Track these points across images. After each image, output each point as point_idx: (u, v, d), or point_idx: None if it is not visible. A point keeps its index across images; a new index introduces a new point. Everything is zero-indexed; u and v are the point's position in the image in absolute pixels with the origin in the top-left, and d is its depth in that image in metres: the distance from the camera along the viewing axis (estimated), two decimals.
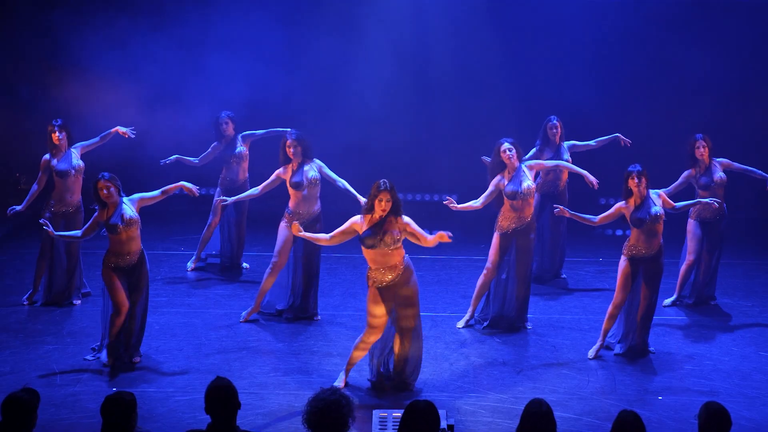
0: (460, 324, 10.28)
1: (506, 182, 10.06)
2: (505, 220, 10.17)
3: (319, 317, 10.41)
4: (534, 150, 11.46)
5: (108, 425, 5.69)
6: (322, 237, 8.73)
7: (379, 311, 8.47)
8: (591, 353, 9.49)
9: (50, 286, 10.66)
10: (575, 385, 8.89)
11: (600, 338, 9.55)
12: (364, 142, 14.21)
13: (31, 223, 13.88)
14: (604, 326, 9.55)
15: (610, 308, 9.49)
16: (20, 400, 5.73)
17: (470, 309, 10.33)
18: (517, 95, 14.45)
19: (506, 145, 10.05)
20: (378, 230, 8.32)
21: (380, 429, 7.07)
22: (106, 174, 9.03)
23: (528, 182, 10.05)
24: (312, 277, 10.41)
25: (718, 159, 10.76)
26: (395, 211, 8.35)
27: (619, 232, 13.31)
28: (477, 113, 14.59)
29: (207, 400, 5.77)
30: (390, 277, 8.41)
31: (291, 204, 10.31)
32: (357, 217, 8.47)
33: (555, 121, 11.47)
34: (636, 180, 9.35)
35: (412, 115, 14.68)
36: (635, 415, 5.63)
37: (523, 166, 10.12)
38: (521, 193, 10.02)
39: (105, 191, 8.96)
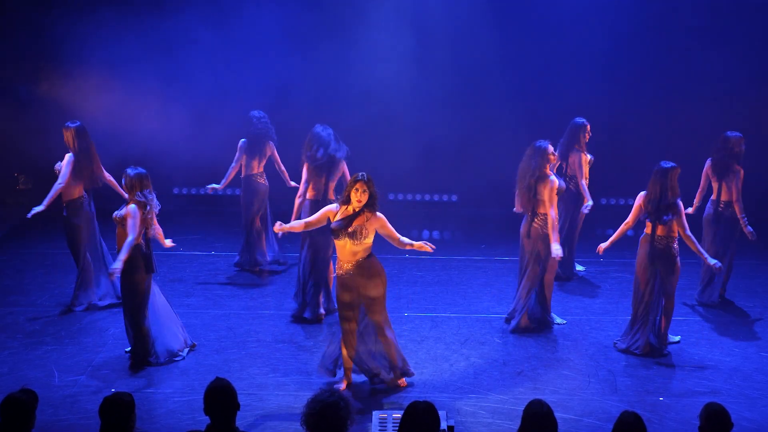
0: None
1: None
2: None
3: (323, 314, 10.45)
4: (579, 153, 11.55)
5: (106, 426, 5.68)
6: (297, 224, 8.82)
7: (344, 298, 8.54)
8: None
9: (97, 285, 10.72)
10: (576, 386, 8.88)
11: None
12: (369, 141, 14.18)
13: (31, 224, 13.91)
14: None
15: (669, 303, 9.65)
16: (19, 400, 5.73)
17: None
18: (525, 96, 14.40)
19: (551, 148, 10.06)
20: (348, 222, 8.37)
21: (380, 430, 7.06)
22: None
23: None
24: (319, 275, 10.43)
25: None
26: (371, 205, 8.40)
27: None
28: (486, 115, 14.53)
29: (206, 401, 5.77)
30: (348, 266, 8.45)
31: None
32: (333, 206, 8.65)
33: (587, 125, 11.61)
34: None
35: (422, 116, 14.65)
36: (636, 416, 5.63)
37: None
38: (563, 188, 10.28)
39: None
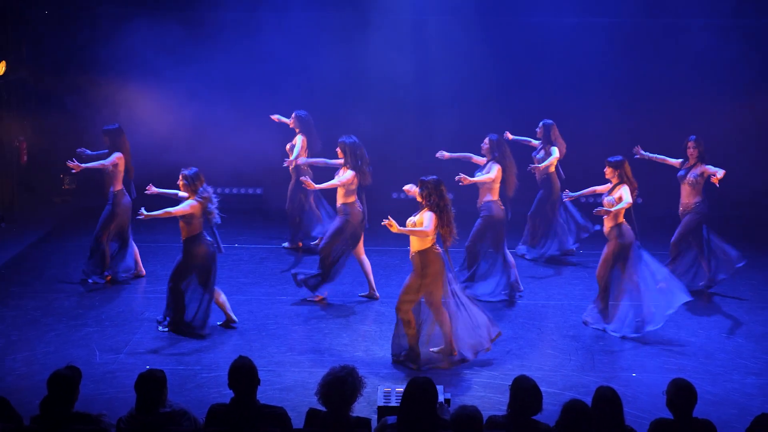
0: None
1: None
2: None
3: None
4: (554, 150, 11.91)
5: (142, 399, 5.71)
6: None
7: None
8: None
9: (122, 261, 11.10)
10: (558, 363, 8.88)
11: None
12: (371, 141, 14.10)
13: (75, 218, 13.93)
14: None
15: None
16: (64, 376, 5.76)
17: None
18: (530, 99, 14.22)
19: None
20: None
21: (385, 402, 7.07)
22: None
23: None
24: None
25: (707, 165, 10.57)
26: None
27: (597, 227, 13.21)
28: (489, 115, 14.37)
29: (230, 376, 5.78)
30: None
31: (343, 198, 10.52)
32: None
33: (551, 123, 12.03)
34: None
35: (425, 117, 14.59)
36: (612, 391, 5.63)
37: None
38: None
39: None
